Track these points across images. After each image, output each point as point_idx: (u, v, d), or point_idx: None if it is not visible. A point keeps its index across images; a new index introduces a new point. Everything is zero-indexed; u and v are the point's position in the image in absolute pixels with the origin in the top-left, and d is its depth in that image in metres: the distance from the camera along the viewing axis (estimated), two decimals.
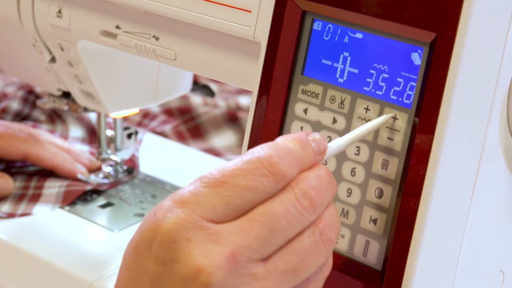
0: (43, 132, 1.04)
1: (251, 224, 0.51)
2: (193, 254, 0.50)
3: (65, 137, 1.11)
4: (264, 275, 0.51)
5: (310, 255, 0.53)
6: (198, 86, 1.02)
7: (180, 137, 1.21)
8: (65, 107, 0.97)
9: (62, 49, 0.86)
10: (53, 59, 0.89)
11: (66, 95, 0.96)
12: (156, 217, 0.52)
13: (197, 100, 1.28)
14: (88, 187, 0.97)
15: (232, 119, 1.24)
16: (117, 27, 0.79)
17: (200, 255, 0.50)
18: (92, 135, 1.13)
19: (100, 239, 0.90)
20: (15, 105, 1.15)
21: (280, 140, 0.54)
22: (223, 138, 1.22)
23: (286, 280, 0.52)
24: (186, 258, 0.50)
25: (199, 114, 1.25)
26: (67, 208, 0.94)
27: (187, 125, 1.23)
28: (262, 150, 0.53)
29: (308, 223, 0.53)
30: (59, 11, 0.83)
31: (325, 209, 0.54)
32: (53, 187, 0.97)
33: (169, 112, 1.26)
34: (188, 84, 0.99)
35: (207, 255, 0.50)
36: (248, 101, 1.29)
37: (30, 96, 1.17)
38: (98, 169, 1.02)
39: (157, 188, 1.01)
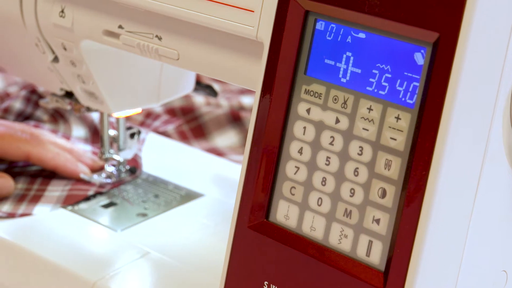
0: (45, 132, 1.03)
1: None
2: None
3: (67, 137, 1.11)
4: None
5: None
6: (201, 86, 1.02)
7: (183, 137, 1.21)
8: (68, 107, 0.96)
9: (65, 49, 0.86)
10: (56, 59, 0.89)
11: (69, 94, 0.96)
12: None
13: (200, 100, 1.28)
14: (90, 192, 0.97)
15: (235, 119, 1.24)
16: (120, 27, 0.79)
17: None
18: (95, 135, 1.13)
19: (103, 238, 0.90)
20: (17, 104, 1.15)
21: None
22: (226, 138, 1.22)
23: None
24: None
25: (201, 114, 1.25)
26: (69, 207, 0.94)
27: (190, 125, 1.23)
28: None
29: None
30: (62, 11, 0.83)
31: None
32: (55, 191, 0.97)
33: (172, 112, 1.26)
34: (191, 84, 0.99)
35: None
36: (251, 101, 1.29)
37: (33, 96, 1.17)
38: (101, 169, 1.02)
39: (159, 188, 1.01)
